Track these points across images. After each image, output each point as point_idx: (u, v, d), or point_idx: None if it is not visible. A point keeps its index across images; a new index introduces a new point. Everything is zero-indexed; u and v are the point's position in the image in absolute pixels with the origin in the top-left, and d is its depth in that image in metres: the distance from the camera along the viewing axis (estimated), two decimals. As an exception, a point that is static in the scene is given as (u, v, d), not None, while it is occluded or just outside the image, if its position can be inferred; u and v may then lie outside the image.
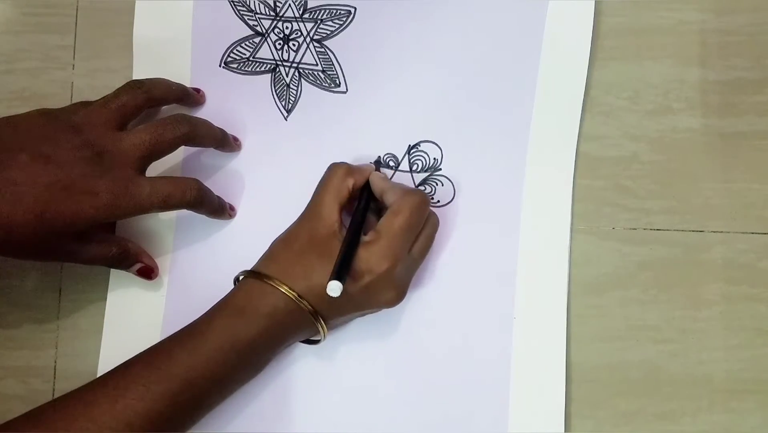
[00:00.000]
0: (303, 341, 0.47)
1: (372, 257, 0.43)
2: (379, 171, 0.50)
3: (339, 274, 0.41)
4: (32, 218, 0.40)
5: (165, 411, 0.40)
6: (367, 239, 0.44)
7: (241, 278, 0.45)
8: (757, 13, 0.51)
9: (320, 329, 0.44)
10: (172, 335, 0.43)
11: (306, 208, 0.46)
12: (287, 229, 0.46)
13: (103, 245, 0.46)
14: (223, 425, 0.48)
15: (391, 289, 0.44)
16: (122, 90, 0.45)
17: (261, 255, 0.46)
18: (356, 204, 0.47)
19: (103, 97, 0.45)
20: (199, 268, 0.50)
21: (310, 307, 0.43)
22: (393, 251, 0.43)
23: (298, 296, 0.43)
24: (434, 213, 0.48)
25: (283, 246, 0.45)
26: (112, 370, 0.42)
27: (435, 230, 0.48)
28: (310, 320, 0.43)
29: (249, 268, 0.45)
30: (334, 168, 0.47)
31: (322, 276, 0.42)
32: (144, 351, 0.43)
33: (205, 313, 0.44)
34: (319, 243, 0.44)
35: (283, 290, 0.43)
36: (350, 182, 0.46)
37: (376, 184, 0.47)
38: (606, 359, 0.50)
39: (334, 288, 0.40)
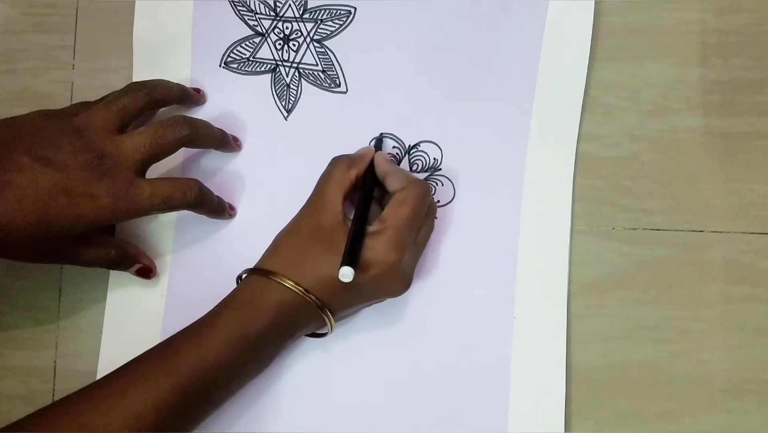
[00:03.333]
0: (309, 335, 0.47)
1: (379, 247, 0.43)
2: (380, 149, 0.50)
3: (350, 260, 0.41)
4: (33, 221, 0.40)
5: (174, 404, 0.40)
6: (373, 229, 0.44)
7: (244, 276, 0.45)
8: (757, 13, 0.51)
9: (328, 321, 0.44)
10: (179, 332, 0.43)
11: (308, 200, 0.46)
12: (290, 222, 0.46)
13: (102, 247, 0.46)
14: (229, 422, 0.48)
15: (398, 279, 0.45)
16: (123, 92, 0.45)
17: (264, 250, 0.46)
18: (360, 191, 0.46)
19: (104, 99, 0.45)
20: (199, 267, 0.50)
21: (317, 300, 0.43)
22: (400, 241, 0.44)
23: (305, 290, 0.43)
24: (433, 200, 0.48)
25: (287, 240, 0.45)
26: (121, 367, 0.42)
27: (434, 217, 0.49)
28: (317, 314, 0.43)
29: (251, 266, 0.45)
30: (336, 161, 0.47)
31: (329, 268, 0.42)
32: (152, 348, 0.43)
33: (212, 309, 0.44)
34: (324, 234, 0.44)
35: (288, 285, 0.43)
36: (353, 173, 0.46)
37: (381, 165, 0.47)
38: (606, 359, 0.50)
39: (347, 274, 0.40)
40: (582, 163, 0.50)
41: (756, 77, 0.51)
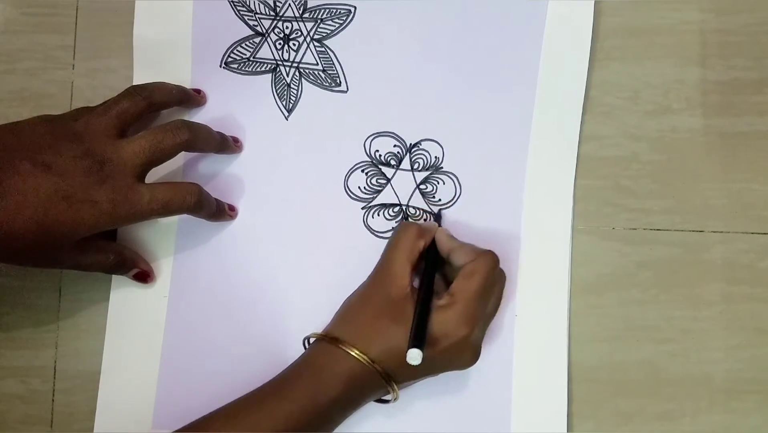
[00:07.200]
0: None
1: (449, 321, 0.43)
2: (440, 225, 0.49)
3: (418, 341, 0.41)
4: (32, 226, 0.40)
5: None
6: (442, 303, 0.44)
7: (311, 340, 0.45)
8: (757, 13, 0.51)
9: (393, 391, 0.44)
10: (250, 394, 0.43)
11: (377, 267, 0.47)
12: (358, 289, 0.47)
13: (101, 253, 0.46)
14: None
15: (467, 352, 0.44)
16: (123, 96, 0.45)
17: (333, 315, 0.46)
18: (424, 266, 0.46)
19: (104, 103, 0.45)
20: (201, 269, 0.50)
21: (383, 371, 0.43)
22: (470, 315, 0.43)
23: (372, 360, 0.42)
24: (502, 270, 0.47)
25: (356, 308, 0.46)
26: (188, 426, 0.42)
27: (503, 286, 0.48)
28: (383, 383, 0.43)
29: (318, 331, 0.45)
30: (406, 228, 0.46)
31: (397, 340, 0.42)
32: (222, 408, 0.43)
33: (281, 373, 0.44)
34: (393, 306, 0.44)
35: (355, 354, 0.42)
36: (421, 243, 0.46)
37: (444, 243, 0.47)
38: (606, 359, 0.50)
39: (415, 356, 0.40)
40: (582, 163, 0.50)
41: (756, 77, 0.51)
